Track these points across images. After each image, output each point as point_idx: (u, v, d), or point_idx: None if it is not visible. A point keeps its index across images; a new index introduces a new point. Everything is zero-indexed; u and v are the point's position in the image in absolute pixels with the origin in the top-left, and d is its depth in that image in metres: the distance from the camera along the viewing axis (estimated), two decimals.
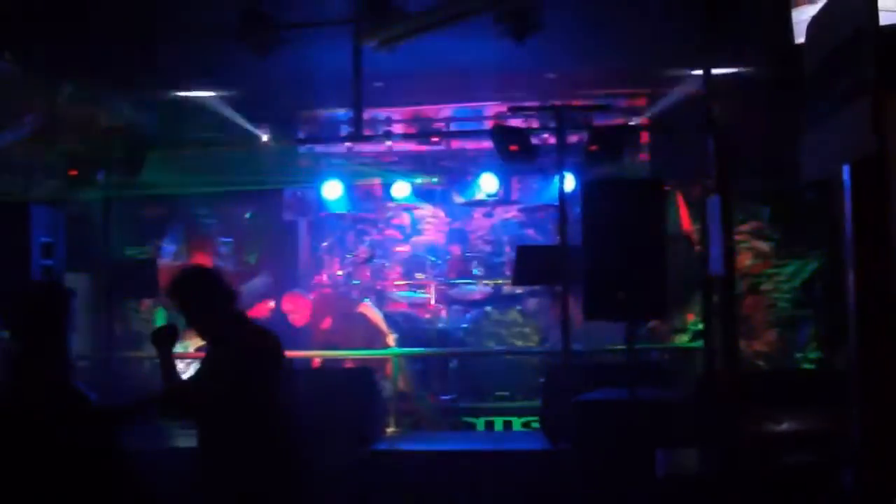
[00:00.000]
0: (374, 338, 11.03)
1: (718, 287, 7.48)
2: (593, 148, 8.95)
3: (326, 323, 11.54)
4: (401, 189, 12.48)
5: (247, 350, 5.52)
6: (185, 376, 5.85)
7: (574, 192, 9.66)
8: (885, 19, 3.64)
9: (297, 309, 11.53)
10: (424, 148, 12.73)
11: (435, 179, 12.73)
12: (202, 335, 5.77)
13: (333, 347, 10.78)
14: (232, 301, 5.73)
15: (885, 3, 3.98)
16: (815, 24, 3.92)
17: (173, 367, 5.53)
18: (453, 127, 12.17)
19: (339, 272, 12.28)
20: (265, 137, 11.02)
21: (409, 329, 11.58)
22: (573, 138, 9.41)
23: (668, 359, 9.94)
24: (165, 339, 5.54)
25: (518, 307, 11.87)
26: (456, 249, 12.47)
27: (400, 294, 12.09)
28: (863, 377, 3.84)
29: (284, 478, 5.60)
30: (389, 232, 12.84)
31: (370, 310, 11.46)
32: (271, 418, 5.59)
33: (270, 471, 5.50)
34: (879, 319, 3.81)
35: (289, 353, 9.65)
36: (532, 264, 9.12)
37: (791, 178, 4.04)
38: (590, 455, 7.52)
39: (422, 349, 10.93)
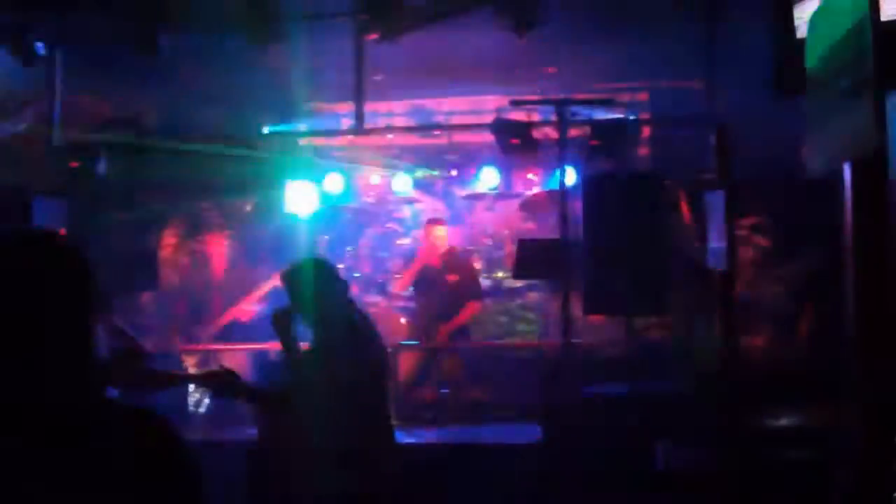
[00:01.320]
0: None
1: (719, 282, 7.48)
2: (594, 142, 8.95)
3: None
4: (401, 182, 12.47)
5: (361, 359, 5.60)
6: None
7: (575, 186, 9.67)
8: (886, 14, 3.64)
9: None
10: (425, 141, 12.73)
11: (436, 173, 12.73)
12: (313, 326, 5.77)
13: None
14: (346, 291, 5.78)
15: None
16: (815, 18, 3.91)
17: (297, 349, 5.58)
18: (454, 120, 12.16)
19: (340, 265, 12.28)
20: (266, 130, 11.01)
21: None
22: (574, 132, 9.41)
23: (667, 353, 9.94)
24: (285, 321, 5.56)
25: (519, 301, 11.87)
26: (456, 242, 12.46)
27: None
28: (860, 374, 3.85)
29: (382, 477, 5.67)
30: (390, 225, 12.84)
31: None
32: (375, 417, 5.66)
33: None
34: (878, 315, 3.82)
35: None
36: (533, 258, 9.12)
37: (793, 172, 4.05)
38: (589, 448, 7.53)
39: (417, 342, 10.91)
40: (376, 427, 5.70)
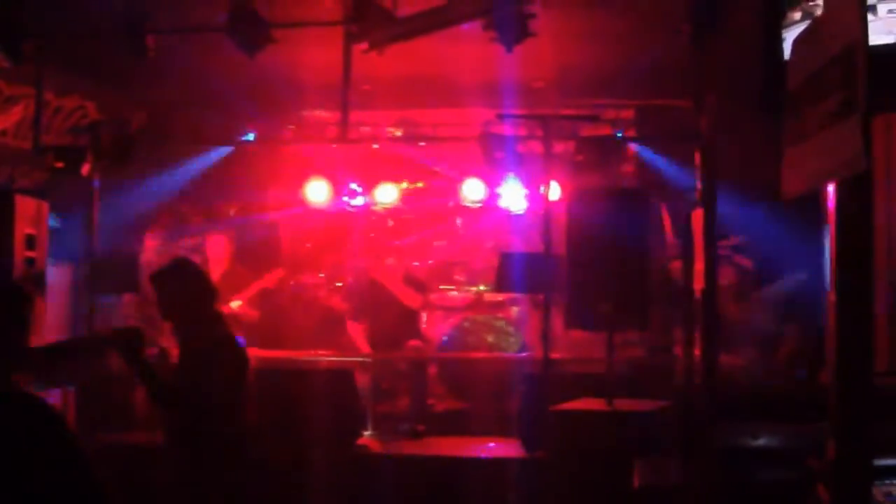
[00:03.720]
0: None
1: (699, 300, 7.49)
2: (579, 157, 8.98)
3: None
4: (386, 193, 12.46)
5: (219, 360, 5.58)
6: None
7: (559, 200, 9.69)
8: (874, 39, 3.66)
9: None
10: (411, 152, 12.72)
11: (420, 184, 12.72)
12: (176, 330, 5.77)
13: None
14: (214, 298, 5.76)
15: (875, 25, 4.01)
16: (802, 40, 3.93)
17: (151, 373, 5.47)
18: (440, 132, 12.15)
19: (321, 274, 12.27)
20: (251, 136, 11.00)
21: None
22: (560, 147, 9.43)
23: (646, 370, 9.95)
24: (133, 343, 5.44)
25: (500, 314, 11.87)
26: (439, 255, 12.47)
27: None
28: (839, 395, 3.86)
29: (245, 476, 5.66)
30: (373, 235, 12.83)
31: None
32: (234, 421, 5.65)
33: (234, 469, 5.56)
34: (859, 338, 3.83)
35: (270, 353, 9.72)
36: (515, 272, 9.13)
37: (776, 193, 4.06)
38: (566, 464, 7.53)
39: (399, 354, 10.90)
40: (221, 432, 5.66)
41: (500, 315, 11.87)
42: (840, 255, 3.80)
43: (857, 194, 3.72)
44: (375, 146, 12.02)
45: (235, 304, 10.41)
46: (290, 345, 10.95)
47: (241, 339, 6.12)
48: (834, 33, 3.37)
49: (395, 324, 10.70)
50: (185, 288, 5.71)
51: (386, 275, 11.02)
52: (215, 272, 10.31)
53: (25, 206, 7.43)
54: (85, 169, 8.59)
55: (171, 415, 5.70)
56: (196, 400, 5.47)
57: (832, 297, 3.87)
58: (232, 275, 10.65)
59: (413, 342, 10.63)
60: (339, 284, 12.05)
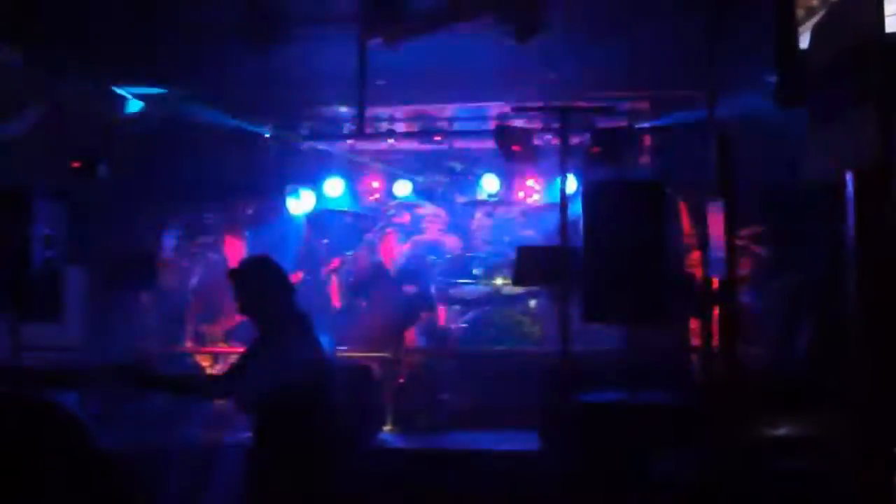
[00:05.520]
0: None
1: (718, 292, 7.47)
2: (595, 150, 8.95)
3: None
4: (402, 188, 12.48)
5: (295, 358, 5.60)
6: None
7: (575, 193, 9.66)
8: (891, 26, 3.64)
9: None
10: (427, 147, 12.73)
11: (437, 178, 12.73)
12: (258, 324, 5.81)
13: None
14: (291, 294, 5.81)
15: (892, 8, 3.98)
16: (819, 28, 3.91)
17: (183, 384, 5.55)
18: (456, 126, 12.15)
19: (336, 270, 12.30)
20: (267, 134, 11.02)
21: None
22: (575, 140, 9.40)
23: (665, 362, 9.92)
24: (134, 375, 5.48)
25: (518, 308, 11.85)
26: (456, 249, 12.45)
27: None
28: (859, 384, 3.85)
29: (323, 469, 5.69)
30: (390, 230, 12.83)
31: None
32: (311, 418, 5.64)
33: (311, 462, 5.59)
34: (878, 326, 3.81)
35: None
36: (532, 265, 9.11)
37: (794, 182, 4.05)
38: (585, 457, 7.52)
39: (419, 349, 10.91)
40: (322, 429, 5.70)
41: (518, 308, 11.84)
42: (859, 243, 3.78)
43: (875, 183, 3.70)
44: (391, 140, 12.03)
45: None
46: None
47: (325, 340, 6.11)
48: (849, 22, 3.36)
49: (396, 310, 10.72)
50: (265, 284, 5.77)
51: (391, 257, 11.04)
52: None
53: (43, 207, 7.45)
54: (101, 169, 8.61)
55: (250, 414, 5.74)
56: (270, 399, 5.50)
57: (852, 285, 3.86)
58: None
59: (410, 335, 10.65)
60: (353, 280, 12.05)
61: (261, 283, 5.78)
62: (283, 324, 5.70)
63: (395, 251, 11.03)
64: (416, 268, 11.30)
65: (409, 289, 10.84)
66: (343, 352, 10.38)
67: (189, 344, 10.43)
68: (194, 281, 10.94)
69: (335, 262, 11.87)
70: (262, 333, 5.75)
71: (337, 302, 11.23)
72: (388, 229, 11.23)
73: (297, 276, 11.15)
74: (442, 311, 11.72)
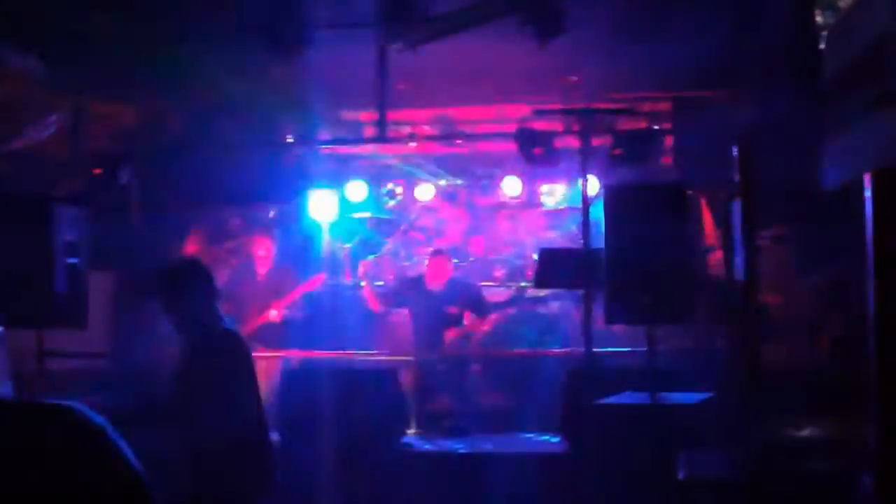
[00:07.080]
0: None
1: (740, 292, 7.46)
2: (617, 151, 8.95)
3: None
4: (424, 191, 12.50)
5: (216, 353, 5.58)
6: None
7: (597, 195, 9.65)
8: None
9: None
10: (448, 150, 12.74)
11: (459, 181, 12.74)
12: (177, 328, 5.77)
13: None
14: (215, 299, 5.77)
15: None
16: (835, 29, 3.91)
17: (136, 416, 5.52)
18: (477, 129, 12.16)
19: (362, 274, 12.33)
20: (289, 138, 11.05)
21: None
22: (597, 142, 9.39)
23: (690, 363, 9.90)
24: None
25: (541, 310, 11.85)
26: (478, 251, 12.46)
27: None
28: (882, 384, 3.84)
29: (259, 474, 5.65)
30: (412, 233, 12.85)
31: None
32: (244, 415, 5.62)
33: (246, 466, 5.54)
34: None
35: (317, 354, 9.77)
36: (555, 267, 9.11)
37: (816, 183, 4.04)
38: (611, 458, 7.52)
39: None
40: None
41: (541, 310, 11.84)
42: (878, 244, 3.78)
43: (894, 184, 3.70)
44: (413, 144, 12.05)
45: (273, 314, 10.55)
46: (334, 345, 10.99)
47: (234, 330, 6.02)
48: (866, 21, 3.35)
49: (437, 322, 10.68)
50: (191, 288, 5.72)
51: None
52: (261, 270, 10.51)
53: (66, 214, 7.49)
54: (124, 175, 8.66)
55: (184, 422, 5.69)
56: (190, 389, 5.49)
57: (872, 285, 3.85)
58: (276, 273, 10.77)
59: (452, 333, 10.61)
60: (380, 283, 12.06)
61: (186, 289, 5.71)
62: (209, 345, 5.65)
63: (447, 276, 10.86)
64: (463, 292, 11.12)
65: (452, 310, 10.75)
66: (375, 355, 10.43)
67: None
68: (219, 285, 10.98)
69: (364, 266, 11.91)
70: (187, 355, 5.70)
71: (376, 307, 11.21)
72: (441, 255, 11.05)
73: (319, 279, 11.20)
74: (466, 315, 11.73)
